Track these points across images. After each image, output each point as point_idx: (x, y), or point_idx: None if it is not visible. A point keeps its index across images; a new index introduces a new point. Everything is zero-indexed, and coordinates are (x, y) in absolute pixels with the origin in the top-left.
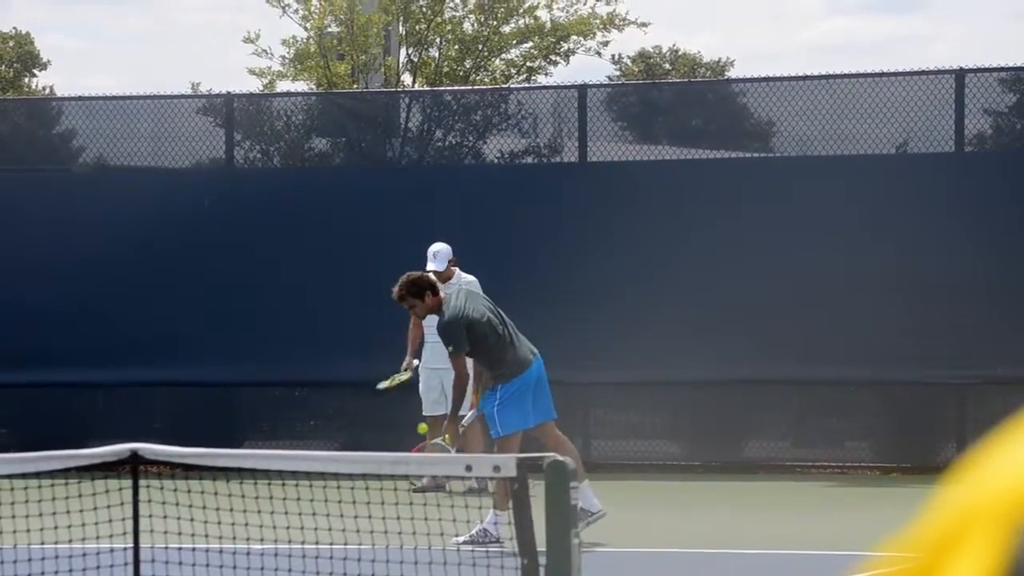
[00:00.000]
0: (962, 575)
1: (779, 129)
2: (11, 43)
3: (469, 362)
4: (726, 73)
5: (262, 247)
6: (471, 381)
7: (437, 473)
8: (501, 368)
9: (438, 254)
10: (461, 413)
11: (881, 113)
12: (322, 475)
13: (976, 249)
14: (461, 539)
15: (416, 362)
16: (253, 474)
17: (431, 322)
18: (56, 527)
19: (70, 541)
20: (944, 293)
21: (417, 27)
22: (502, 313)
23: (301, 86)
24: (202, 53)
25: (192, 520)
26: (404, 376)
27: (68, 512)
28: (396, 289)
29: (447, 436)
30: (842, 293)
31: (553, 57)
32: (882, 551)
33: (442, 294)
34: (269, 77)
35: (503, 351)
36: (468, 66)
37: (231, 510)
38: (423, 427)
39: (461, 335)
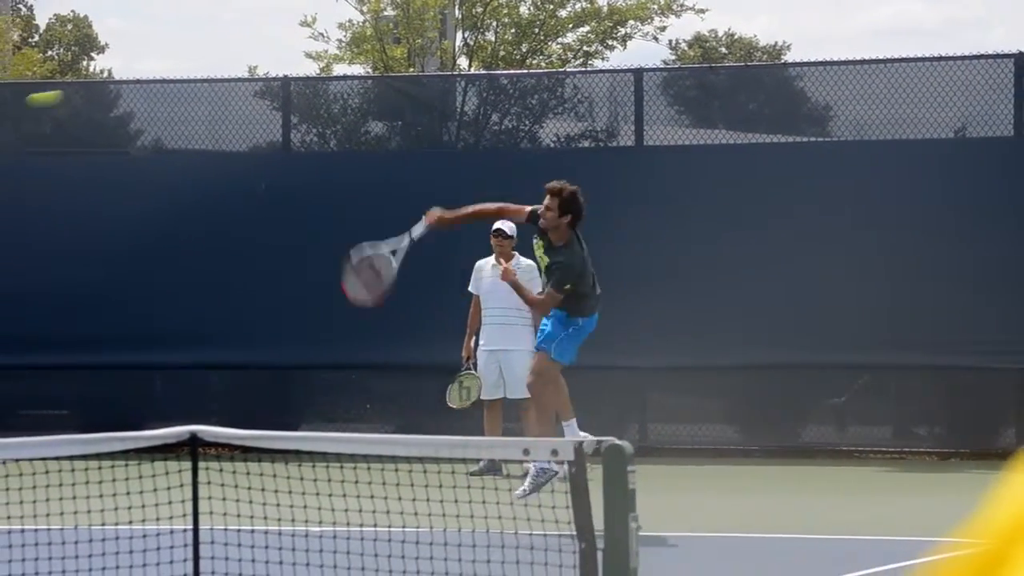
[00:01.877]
0: None
1: (836, 113)
2: (69, 26)
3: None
4: (782, 57)
5: (319, 230)
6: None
7: (495, 456)
8: (581, 306)
9: (505, 223)
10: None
11: (939, 97)
12: (379, 458)
13: None
14: (519, 492)
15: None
16: (311, 456)
17: (490, 303)
18: (116, 508)
19: (130, 522)
20: (1002, 278)
21: (473, 10)
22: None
23: (357, 69)
24: (259, 37)
25: (251, 502)
26: (472, 381)
27: (128, 494)
28: (559, 186)
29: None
30: (899, 278)
31: (610, 41)
32: (952, 537)
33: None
34: (326, 60)
35: (588, 299)
36: (524, 50)
37: (289, 492)
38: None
39: (571, 283)
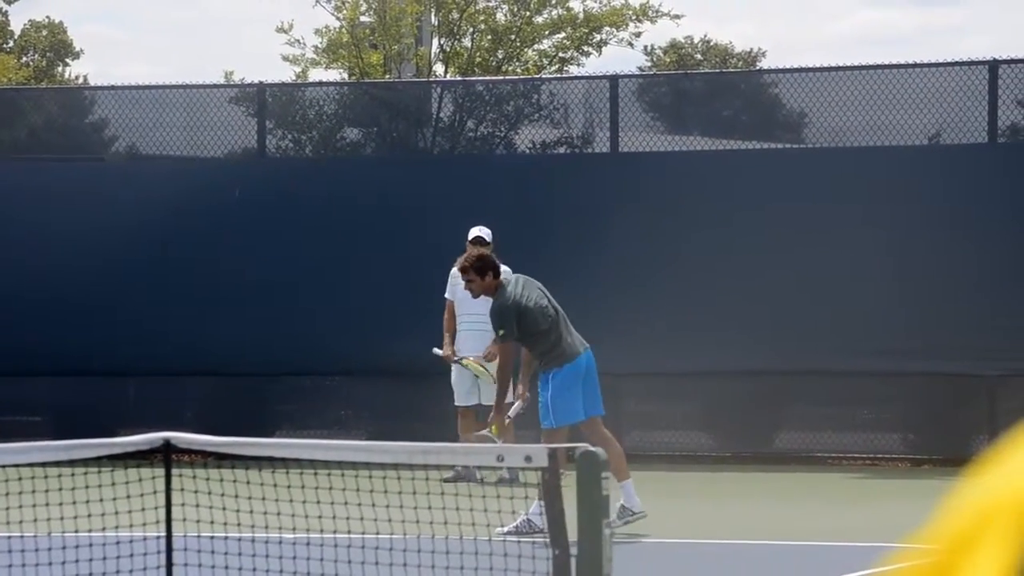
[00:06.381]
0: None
1: (811, 120)
2: (44, 32)
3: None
4: (758, 64)
5: (293, 236)
6: (521, 369)
7: (468, 463)
8: (551, 355)
9: (482, 231)
10: (508, 402)
11: (914, 104)
12: (353, 464)
13: (1009, 241)
14: (505, 529)
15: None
16: (285, 463)
17: (465, 310)
18: (89, 515)
19: (103, 529)
20: (976, 285)
21: (450, 17)
22: (555, 303)
23: (334, 75)
24: (236, 43)
25: (224, 509)
26: (471, 364)
27: (101, 500)
28: (463, 260)
29: (494, 427)
30: (873, 285)
31: (585, 48)
32: (904, 544)
33: (502, 279)
34: (302, 64)
35: (555, 339)
36: (500, 56)
37: (263, 499)
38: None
39: (512, 321)
